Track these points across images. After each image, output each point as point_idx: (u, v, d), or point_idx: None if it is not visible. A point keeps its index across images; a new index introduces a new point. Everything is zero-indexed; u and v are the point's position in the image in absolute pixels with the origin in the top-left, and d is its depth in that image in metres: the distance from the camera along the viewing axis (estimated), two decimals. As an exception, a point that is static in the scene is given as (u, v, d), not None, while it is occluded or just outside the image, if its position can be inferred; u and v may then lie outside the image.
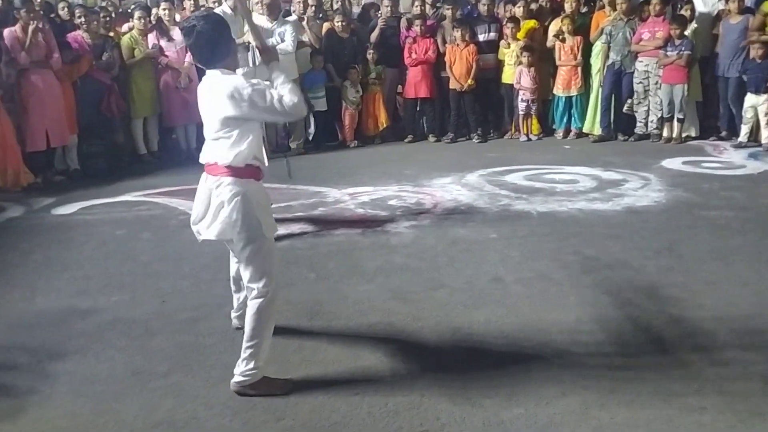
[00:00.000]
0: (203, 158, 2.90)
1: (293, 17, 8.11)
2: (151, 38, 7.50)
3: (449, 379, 2.94)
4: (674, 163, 6.85)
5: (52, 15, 7.48)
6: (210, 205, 2.86)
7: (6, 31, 6.51)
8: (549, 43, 8.22)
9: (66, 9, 7.53)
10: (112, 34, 7.53)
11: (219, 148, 2.80)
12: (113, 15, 8.13)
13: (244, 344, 2.87)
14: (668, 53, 7.55)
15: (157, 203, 5.91)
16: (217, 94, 2.75)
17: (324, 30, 8.33)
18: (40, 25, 6.62)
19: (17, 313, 3.79)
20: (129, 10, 8.16)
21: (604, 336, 3.30)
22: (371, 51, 8.24)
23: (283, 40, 7.60)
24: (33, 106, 6.59)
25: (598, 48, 8.06)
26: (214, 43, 2.78)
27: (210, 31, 2.76)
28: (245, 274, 2.90)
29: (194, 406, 2.82)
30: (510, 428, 2.59)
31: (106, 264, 4.51)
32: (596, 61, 8.08)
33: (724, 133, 7.87)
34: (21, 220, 5.61)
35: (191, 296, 3.93)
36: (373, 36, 8.36)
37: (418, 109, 8.57)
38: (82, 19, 7.07)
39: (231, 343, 3.32)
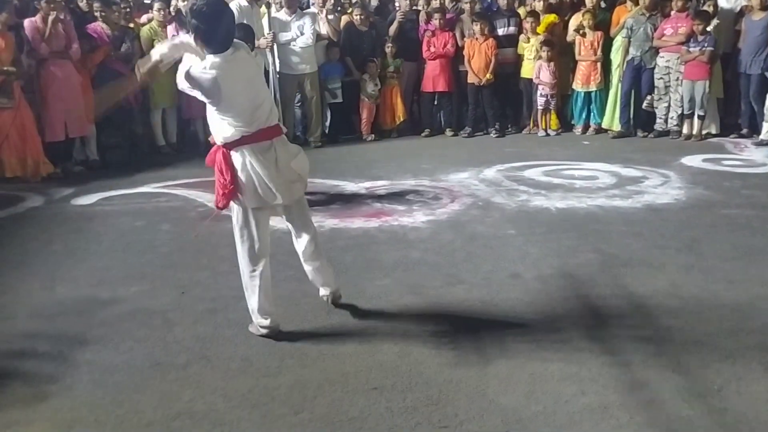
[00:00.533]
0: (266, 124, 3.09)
1: (312, 10, 8.11)
2: (171, 30, 7.52)
3: (468, 376, 2.93)
4: (694, 161, 6.78)
5: (72, 6, 7.51)
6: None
7: (27, 22, 6.56)
8: (569, 38, 8.15)
9: (85, 0, 7.56)
10: (131, 25, 7.55)
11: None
12: (132, 6, 8.16)
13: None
14: (691, 49, 7.45)
15: (176, 195, 5.94)
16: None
17: (342, 23, 8.32)
18: (61, 16, 6.67)
19: (38, 302, 3.83)
20: (148, 2, 8.20)
21: (623, 334, 3.27)
22: (390, 44, 8.21)
23: (302, 33, 7.62)
24: (52, 96, 6.64)
25: (618, 43, 7.98)
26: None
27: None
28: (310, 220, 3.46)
29: (213, 398, 2.83)
30: (529, 426, 2.58)
31: (126, 255, 4.54)
32: (616, 56, 8.00)
33: (745, 131, 7.77)
34: (41, 210, 5.66)
35: (210, 288, 3.95)
36: (392, 29, 8.33)
37: (435, 103, 8.53)
38: (102, 12, 7.08)
39: (248, 335, 3.33)
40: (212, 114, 3.08)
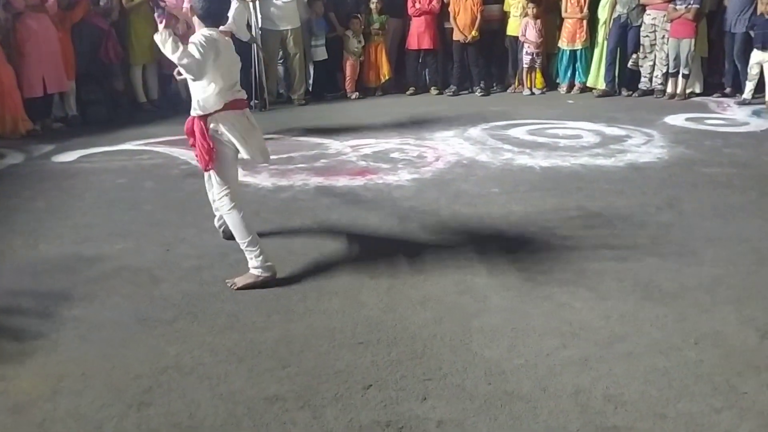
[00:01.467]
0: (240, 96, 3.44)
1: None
2: (149, -17, 7.33)
3: (452, 331, 2.98)
4: (677, 120, 6.82)
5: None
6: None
7: (2, -26, 6.37)
8: (555, -5, 8.08)
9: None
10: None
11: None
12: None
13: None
14: (677, 7, 7.42)
15: (158, 152, 5.88)
16: None
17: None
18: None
19: (22, 260, 3.81)
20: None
21: (605, 290, 3.34)
22: (375, 0, 8.07)
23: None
24: (29, 51, 6.49)
25: (605, 0, 7.92)
26: None
27: None
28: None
29: (200, 352, 2.86)
30: (510, 378, 2.64)
31: (109, 212, 4.52)
32: (602, 13, 7.96)
33: (728, 90, 7.81)
34: (21, 167, 5.59)
35: (195, 245, 3.95)
36: (376, -16, 8.20)
37: (420, 60, 8.45)
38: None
39: (234, 293, 3.36)
40: (198, 84, 3.31)
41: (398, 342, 2.91)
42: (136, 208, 4.58)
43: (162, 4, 7.51)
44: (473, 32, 7.97)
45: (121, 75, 7.43)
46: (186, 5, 7.39)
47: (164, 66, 7.61)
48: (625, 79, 8.08)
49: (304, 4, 7.93)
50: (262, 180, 5.05)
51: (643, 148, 5.88)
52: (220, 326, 3.06)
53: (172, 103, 7.71)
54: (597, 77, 8.16)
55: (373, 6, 8.11)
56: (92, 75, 7.13)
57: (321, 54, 8.06)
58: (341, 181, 5.04)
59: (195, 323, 3.10)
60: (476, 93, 8.29)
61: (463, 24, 7.99)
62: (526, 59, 8.13)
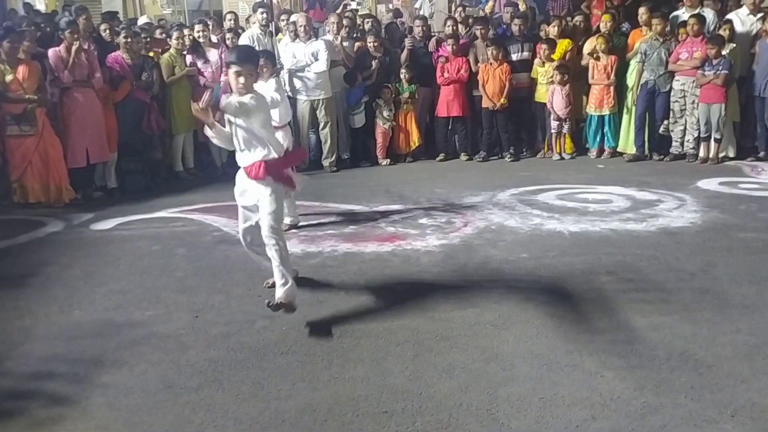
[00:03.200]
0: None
1: (327, 36, 8.25)
2: (189, 57, 7.69)
3: (478, 400, 2.93)
4: (711, 184, 6.74)
5: (96, 35, 7.70)
6: None
7: (50, 51, 6.75)
8: (583, 62, 8.20)
9: (107, 31, 7.76)
10: (151, 54, 7.73)
11: None
12: (152, 35, 8.36)
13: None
14: (705, 73, 7.46)
15: (192, 219, 6.02)
16: None
17: (356, 49, 8.44)
18: (84, 46, 6.85)
19: (56, 326, 3.89)
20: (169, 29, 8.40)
21: (637, 359, 3.25)
22: (404, 70, 8.30)
23: (316, 59, 7.76)
24: (74, 123, 6.80)
25: (632, 66, 8.01)
26: None
27: None
28: None
29: (224, 421, 2.86)
30: (538, 451, 2.57)
31: (142, 278, 4.61)
32: (630, 79, 8.03)
33: (762, 154, 7.72)
34: (61, 235, 5.77)
35: (223, 311, 3.99)
36: (403, 56, 8.44)
37: (449, 127, 8.59)
38: (128, 39, 7.23)
39: (260, 359, 3.37)
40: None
41: (423, 411, 2.87)
42: (168, 274, 4.66)
43: (203, 80, 7.87)
44: (502, 100, 8.10)
45: (159, 144, 7.70)
46: (223, 78, 7.75)
47: (200, 135, 7.90)
48: (655, 143, 8.07)
49: (337, 74, 8.18)
50: (292, 246, 5.11)
51: (676, 212, 5.81)
52: (245, 394, 3.06)
53: (207, 171, 7.95)
54: (627, 142, 8.17)
55: (402, 76, 8.33)
56: (133, 146, 7.40)
57: (359, 121, 8.26)
58: (369, 247, 5.08)
59: (220, 391, 3.10)
60: (506, 158, 8.35)
61: (491, 92, 8.13)
62: (553, 125, 8.21)
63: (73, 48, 6.67)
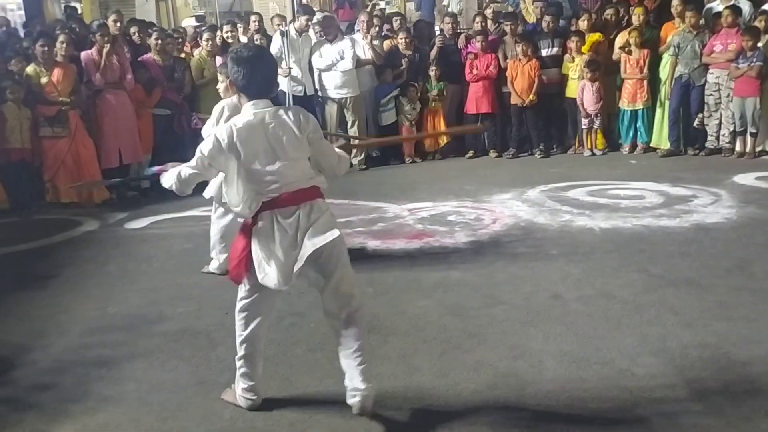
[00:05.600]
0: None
1: (356, 35, 8.27)
2: (219, 59, 7.78)
3: (506, 398, 2.91)
4: (747, 179, 6.58)
5: (129, 38, 7.83)
6: None
7: (83, 54, 6.90)
8: (615, 56, 8.07)
9: (137, 34, 7.90)
10: (183, 55, 7.84)
11: None
12: (183, 37, 8.49)
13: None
14: (740, 65, 7.29)
15: (222, 218, 6.09)
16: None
17: (386, 47, 8.44)
18: (118, 48, 6.99)
19: (91, 322, 3.98)
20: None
21: (667, 357, 3.20)
22: (433, 68, 8.28)
23: (342, 58, 7.80)
24: (107, 125, 6.94)
25: (665, 60, 7.86)
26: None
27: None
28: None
29: (253, 416, 2.89)
30: (567, 448, 2.55)
31: (174, 276, 4.69)
32: (663, 73, 7.89)
33: (801, 147, 7.52)
34: (96, 234, 5.89)
35: (253, 309, 4.03)
36: (433, 53, 8.42)
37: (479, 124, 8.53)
38: (159, 41, 7.36)
39: (288, 356, 3.39)
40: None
41: (451, 408, 2.86)
42: (199, 272, 4.72)
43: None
44: (531, 96, 8.02)
45: (191, 145, 7.79)
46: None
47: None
48: (690, 137, 7.91)
49: (370, 72, 8.20)
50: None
51: (711, 208, 5.69)
52: (274, 390, 3.09)
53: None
54: (660, 137, 8.02)
55: (431, 73, 8.31)
56: (166, 146, 7.52)
57: (388, 118, 8.26)
58: (398, 244, 5.08)
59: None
60: (536, 155, 8.27)
61: (520, 88, 8.07)
62: (584, 121, 8.10)
63: (104, 50, 6.81)
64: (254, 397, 2.93)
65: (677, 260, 4.49)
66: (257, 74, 2.70)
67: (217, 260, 4.56)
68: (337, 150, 2.93)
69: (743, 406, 2.76)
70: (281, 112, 2.71)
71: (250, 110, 2.71)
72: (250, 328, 2.90)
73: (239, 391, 2.94)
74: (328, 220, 2.76)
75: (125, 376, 3.28)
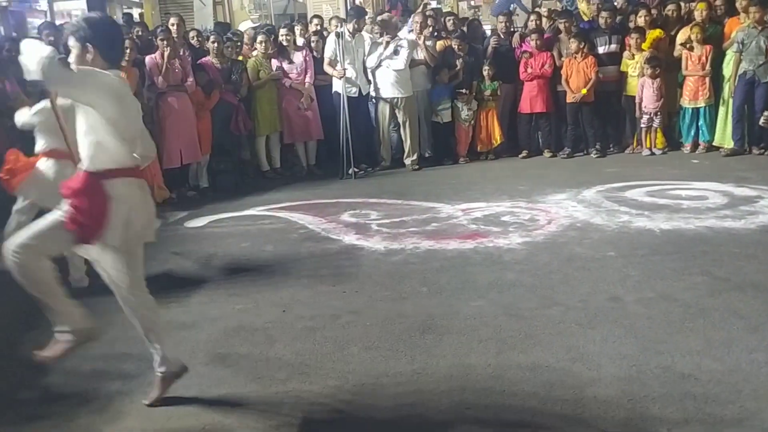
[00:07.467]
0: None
1: (411, 36, 8.28)
2: (275, 61, 7.92)
3: (563, 400, 2.88)
4: (816, 179, 6.32)
5: (191, 41, 8.04)
6: None
7: (147, 58, 7.11)
8: (676, 53, 7.86)
9: (195, 38, 8.10)
10: (240, 57, 8.01)
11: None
12: (241, 40, 8.65)
13: None
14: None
15: (279, 217, 6.20)
16: None
17: (439, 48, 8.42)
18: (180, 52, 7.18)
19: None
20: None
21: (734, 362, 3.10)
22: (487, 67, 8.22)
23: (396, 57, 7.81)
24: (169, 126, 7.14)
25: (729, 56, 7.61)
26: None
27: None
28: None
29: (311, 413, 2.94)
30: (627, 453, 2.50)
31: (232, 274, 4.79)
32: (727, 70, 7.63)
33: None
34: (157, 233, 6.05)
35: (309, 306, 4.09)
36: (487, 55, 8.35)
37: (533, 123, 8.44)
38: (215, 45, 7.56)
39: (345, 354, 3.43)
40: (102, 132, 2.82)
41: (507, 409, 2.85)
42: (257, 270, 4.83)
43: (288, 81, 8.06)
44: (583, 90, 7.86)
45: (247, 145, 7.98)
46: (308, 80, 7.94)
47: (286, 137, 8.12)
48: (755, 136, 7.63)
49: (424, 72, 8.20)
50: (375, 243, 5.19)
51: (778, 209, 5.48)
52: (331, 387, 3.13)
53: (292, 170, 8.17)
54: (724, 135, 7.76)
55: (485, 73, 8.25)
56: (223, 146, 7.70)
57: (445, 117, 8.24)
58: (452, 245, 5.07)
59: (307, 383, 3.19)
60: (592, 155, 8.12)
61: (575, 86, 7.93)
62: (643, 119, 7.91)
63: (166, 54, 7.00)
64: None
65: (742, 263, 4.34)
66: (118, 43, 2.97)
67: None
68: None
69: (815, 415, 2.66)
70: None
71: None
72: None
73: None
74: None
75: (188, 373, 3.35)
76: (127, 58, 6.90)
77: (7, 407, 3.15)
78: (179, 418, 2.97)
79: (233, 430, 2.85)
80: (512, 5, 11.10)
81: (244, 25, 11.43)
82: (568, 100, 8.05)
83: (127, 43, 6.98)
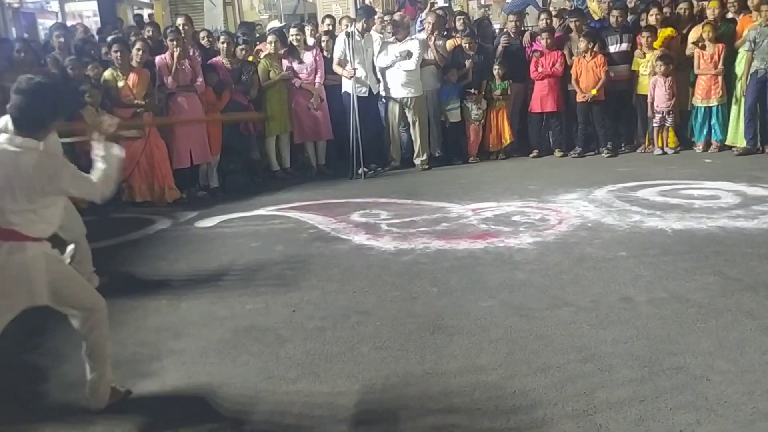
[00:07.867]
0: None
1: (422, 35, 8.26)
2: (285, 62, 7.93)
3: (574, 401, 2.87)
4: (831, 178, 6.26)
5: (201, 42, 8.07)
6: None
7: (157, 58, 7.14)
8: (688, 51, 7.80)
9: (206, 38, 8.12)
10: (250, 58, 8.02)
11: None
12: (251, 41, 8.67)
13: None
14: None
15: (289, 217, 6.21)
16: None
17: (449, 47, 8.41)
18: (190, 53, 7.21)
19: (165, 318, 4.11)
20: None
21: (746, 362, 3.08)
22: (497, 67, 8.20)
23: (407, 58, 7.79)
24: (179, 127, 7.16)
25: (741, 54, 7.55)
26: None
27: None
28: None
29: (321, 412, 2.95)
30: (639, 455, 2.49)
31: (243, 274, 4.81)
32: (739, 68, 7.57)
33: None
34: (168, 232, 6.10)
35: (319, 306, 4.10)
36: (498, 52, 8.33)
37: (543, 123, 8.40)
38: (225, 45, 7.59)
39: (355, 354, 3.43)
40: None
41: (517, 410, 2.84)
42: (267, 270, 4.84)
43: (298, 81, 8.04)
44: (593, 90, 7.82)
45: (257, 145, 7.99)
46: (318, 80, 7.95)
47: (296, 137, 8.13)
48: (767, 135, 7.56)
49: (433, 72, 8.18)
50: (385, 243, 5.19)
51: (791, 209, 5.43)
52: (341, 387, 3.13)
53: (302, 170, 8.18)
54: (736, 135, 7.70)
55: (495, 72, 8.23)
56: (233, 147, 7.72)
57: (454, 117, 8.22)
58: (462, 245, 5.06)
59: (317, 383, 3.19)
60: (603, 154, 8.07)
61: (585, 86, 7.89)
62: (656, 118, 7.86)
63: (175, 54, 7.03)
64: None
65: (755, 263, 4.31)
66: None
67: None
68: (99, 172, 2.91)
69: (829, 417, 2.63)
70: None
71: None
72: None
73: None
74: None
75: (198, 371, 3.38)
76: (138, 59, 6.96)
77: (21, 407, 3.18)
78: (189, 417, 2.98)
79: (243, 430, 2.86)
80: (528, 6, 11.03)
81: (271, 25, 11.47)
82: (578, 100, 8.02)
83: (138, 44, 7.05)
